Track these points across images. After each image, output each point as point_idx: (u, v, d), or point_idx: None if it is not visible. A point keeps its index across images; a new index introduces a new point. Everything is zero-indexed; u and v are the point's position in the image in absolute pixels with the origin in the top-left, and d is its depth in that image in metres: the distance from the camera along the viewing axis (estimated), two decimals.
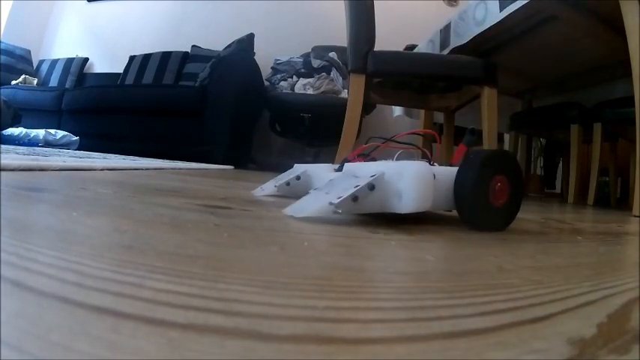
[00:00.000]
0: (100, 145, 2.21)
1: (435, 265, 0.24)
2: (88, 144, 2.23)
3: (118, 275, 0.15)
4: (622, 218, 0.86)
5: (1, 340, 0.09)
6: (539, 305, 0.16)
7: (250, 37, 2.56)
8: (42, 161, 0.66)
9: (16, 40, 3.14)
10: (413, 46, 1.89)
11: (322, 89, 2.34)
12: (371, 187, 0.35)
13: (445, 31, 1.48)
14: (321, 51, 2.57)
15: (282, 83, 2.46)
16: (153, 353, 0.09)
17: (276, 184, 0.56)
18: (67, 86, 2.98)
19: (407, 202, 0.35)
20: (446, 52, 1.45)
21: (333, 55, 2.51)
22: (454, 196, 0.39)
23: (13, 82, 2.86)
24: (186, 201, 0.41)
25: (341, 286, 0.17)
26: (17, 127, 2.09)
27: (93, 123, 2.42)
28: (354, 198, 0.34)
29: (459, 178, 0.39)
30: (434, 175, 0.37)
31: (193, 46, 2.89)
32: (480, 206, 0.38)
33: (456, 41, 1.39)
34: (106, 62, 3.26)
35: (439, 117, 1.83)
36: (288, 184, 0.56)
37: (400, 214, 0.36)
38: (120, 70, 2.97)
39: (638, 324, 0.15)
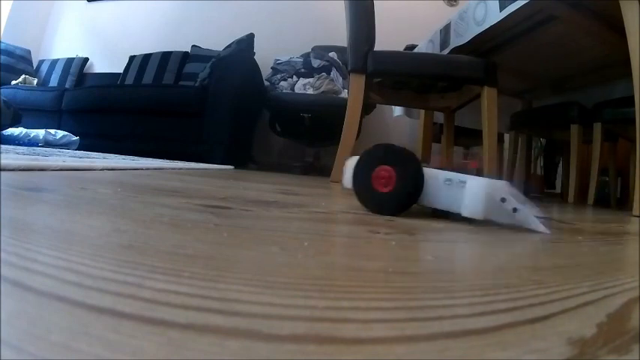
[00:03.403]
0: (100, 145, 2.21)
1: (435, 265, 0.23)
2: (88, 144, 2.23)
3: (117, 275, 0.15)
4: (622, 218, 0.86)
5: (1, 340, 0.09)
6: (539, 305, 0.16)
7: (250, 37, 2.56)
8: (42, 161, 0.66)
9: (16, 40, 3.14)
10: (413, 46, 1.89)
11: (322, 89, 2.34)
12: None
13: (445, 31, 1.48)
14: (321, 51, 2.57)
15: (282, 83, 2.46)
16: (153, 353, 0.09)
17: None
18: (67, 86, 2.98)
19: None
20: (446, 52, 1.45)
21: (333, 55, 2.51)
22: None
23: (13, 82, 2.86)
24: (186, 201, 0.41)
25: (341, 286, 0.17)
26: (17, 127, 2.09)
27: (93, 123, 2.42)
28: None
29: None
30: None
31: (193, 46, 2.89)
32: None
33: (456, 41, 1.39)
34: (106, 62, 3.26)
35: (439, 117, 1.83)
36: None
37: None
38: (120, 70, 2.97)
39: (638, 324, 0.15)
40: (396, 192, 0.44)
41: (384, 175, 0.44)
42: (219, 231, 0.27)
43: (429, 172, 0.45)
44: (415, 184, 0.44)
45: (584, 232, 0.52)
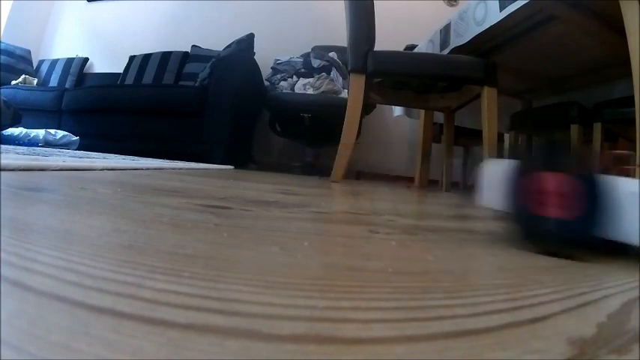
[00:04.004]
0: (100, 145, 2.21)
1: (435, 265, 0.23)
2: (88, 144, 2.23)
3: (117, 275, 0.15)
4: None
5: (1, 340, 0.09)
6: (539, 305, 0.16)
7: (250, 37, 2.56)
8: (42, 161, 0.66)
9: (16, 40, 3.14)
10: (413, 46, 1.89)
11: (322, 89, 2.34)
12: None
13: (445, 31, 1.48)
14: (321, 51, 2.57)
15: (282, 83, 2.46)
16: (153, 353, 0.09)
17: None
18: (67, 86, 2.98)
19: None
20: (446, 52, 1.45)
21: (333, 55, 2.51)
22: None
23: (13, 82, 2.86)
24: (186, 201, 0.41)
25: (341, 286, 0.17)
26: (17, 127, 2.09)
27: (93, 123, 2.42)
28: None
29: None
30: None
31: (193, 46, 2.89)
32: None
33: (456, 41, 1.39)
34: (106, 62, 3.26)
35: (439, 117, 1.83)
36: None
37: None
38: (120, 70, 2.97)
39: (638, 324, 0.15)
40: (584, 218, 0.27)
41: (558, 191, 0.28)
42: (219, 231, 0.27)
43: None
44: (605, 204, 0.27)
45: None
